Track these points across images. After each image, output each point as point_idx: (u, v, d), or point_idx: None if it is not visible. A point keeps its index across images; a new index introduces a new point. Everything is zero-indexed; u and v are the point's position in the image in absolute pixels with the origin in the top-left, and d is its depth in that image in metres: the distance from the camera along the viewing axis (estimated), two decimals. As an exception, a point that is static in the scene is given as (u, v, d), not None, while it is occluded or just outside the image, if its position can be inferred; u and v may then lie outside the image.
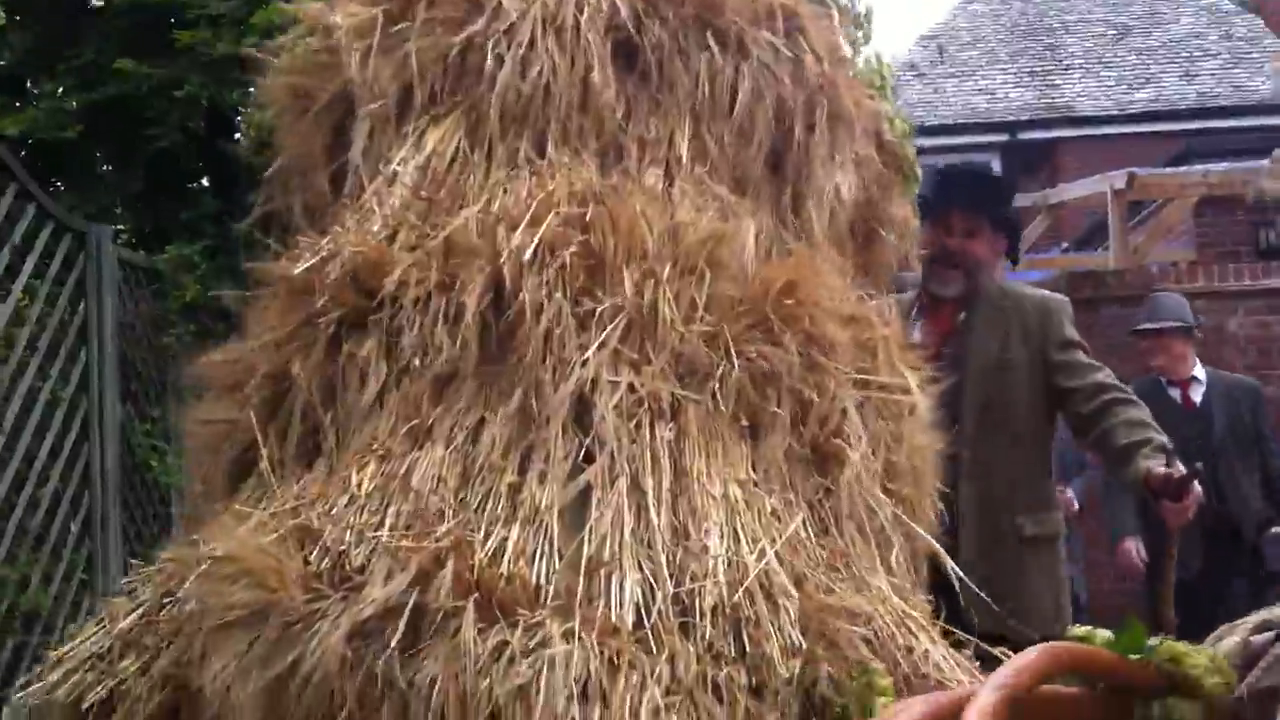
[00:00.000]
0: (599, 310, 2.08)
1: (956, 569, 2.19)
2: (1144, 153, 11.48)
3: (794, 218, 2.45)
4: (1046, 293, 3.42)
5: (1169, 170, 9.07)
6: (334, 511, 2.00)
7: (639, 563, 1.89)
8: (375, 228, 2.26)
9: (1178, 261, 7.96)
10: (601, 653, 1.74)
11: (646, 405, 2.06)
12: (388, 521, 1.94)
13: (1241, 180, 7.38)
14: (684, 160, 2.35)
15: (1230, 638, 1.10)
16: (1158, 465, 2.87)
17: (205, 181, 5.31)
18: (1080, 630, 1.21)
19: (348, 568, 1.90)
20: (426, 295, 2.15)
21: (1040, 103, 15.17)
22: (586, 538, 1.91)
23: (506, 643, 1.74)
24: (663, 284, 2.11)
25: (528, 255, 2.06)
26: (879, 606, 1.98)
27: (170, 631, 2.05)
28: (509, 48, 2.40)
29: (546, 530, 1.91)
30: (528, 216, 2.10)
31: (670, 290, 2.13)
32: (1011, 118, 14.89)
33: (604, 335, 2.05)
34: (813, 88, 2.54)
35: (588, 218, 2.14)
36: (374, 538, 1.91)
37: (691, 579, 1.89)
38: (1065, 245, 11.26)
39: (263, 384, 2.24)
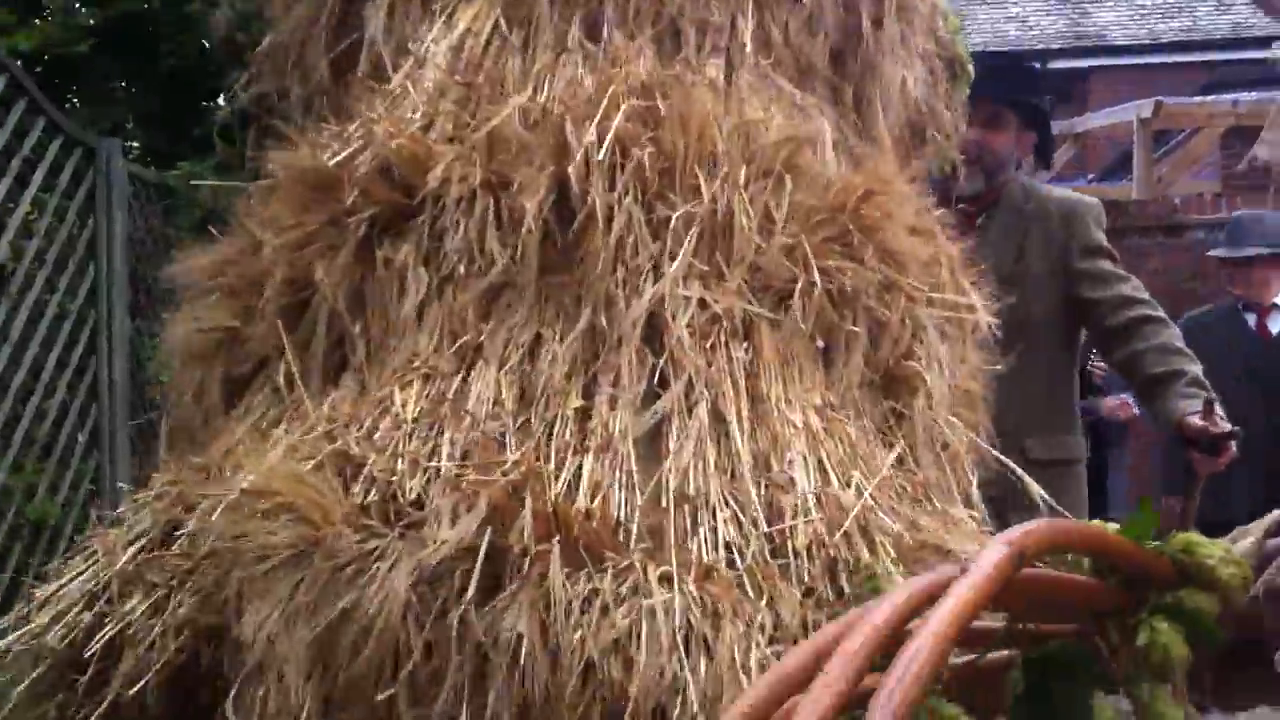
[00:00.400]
0: (673, 218, 1.86)
1: (1045, 496, 2.05)
2: (1176, 83, 11.13)
3: (855, 116, 2.25)
4: (1076, 194, 3.15)
5: (1197, 99, 8.72)
6: (376, 437, 1.78)
7: (726, 498, 1.72)
8: (408, 116, 2.00)
9: (1203, 192, 7.68)
10: (701, 600, 1.57)
11: (721, 324, 1.87)
12: (443, 450, 1.73)
13: (1277, 110, 7.12)
14: (747, 50, 2.12)
15: (1244, 541, 1.02)
16: (1195, 414, 2.69)
17: (221, 100, 5.17)
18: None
19: (401, 501, 1.69)
20: (471, 194, 1.91)
21: (1071, 31, 14.75)
22: (668, 471, 1.72)
23: (597, 590, 1.56)
24: (739, 190, 1.91)
25: (601, 154, 1.83)
26: (968, 543, 1.85)
27: (183, 569, 1.82)
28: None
29: (623, 461, 1.73)
30: (600, 110, 1.86)
31: (745, 196, 1.92)
32: (1042, 46, 14.27)
33: (683, 246, 1.84)
34: (880, -25, 2.32)
35: (659, 113, 1.92)
36: (430, 468, 1.70)
37: (780, 515, 1.73)
38: (1091, 176, 10.88)
39: (281, 290, 1.98)
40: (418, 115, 1.98)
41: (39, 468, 3.83)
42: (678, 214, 1.86)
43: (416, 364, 1.85)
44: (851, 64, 2.26)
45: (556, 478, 1.69)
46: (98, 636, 1.79)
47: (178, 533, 1.87)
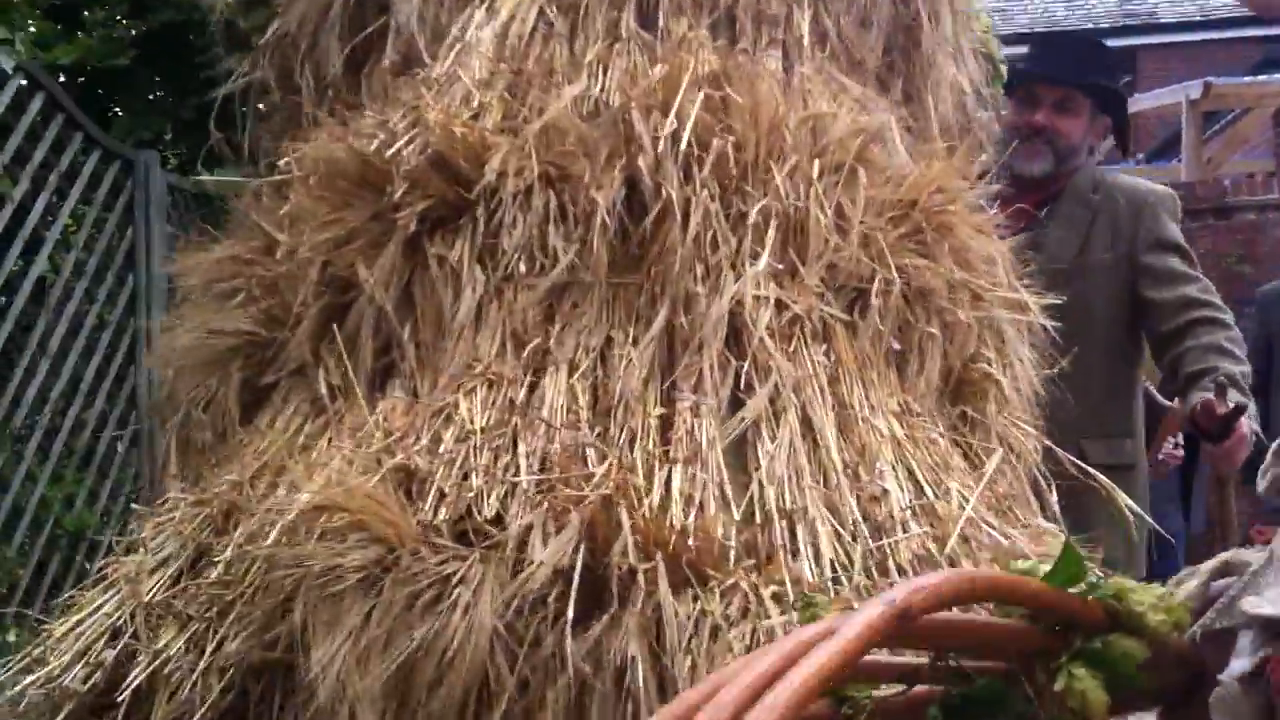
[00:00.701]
0: (751, 214, 1.75)
1: (1133, 507, 1.98)
2: (1229, 59, 10.71)
3: (905, 111, 2.16)
4: (1148, 184, 2.90)
5: (1247, 79, 8.28)
6: (441, 449, 1.63)
7: (825, 511, 1.61)
8: (456, 104, 1.86)
9: (1254, 173, 7.25)
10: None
11: (802, 324, 1.76)
12: (520, 462, 1.59)
13: None
14: (805, 43, 2.02)
15: (1190, 582, 1.00)
16: (1204, 395, 2.45)
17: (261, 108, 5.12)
18: (1024, 564, 1.10)
19: (477, 518, 1.55)
20: (528, 188, 1.78)
21: (1120, 10, 14.11)
22: (762, 481, 1.61)
23: (706, 611, 1.44)
24: (813, 183, 1.81)
25: (682, 145, 1.71)
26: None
27: (223, 599, 1.64)
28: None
29: (714, 472, 1.60)
30: (677, 99, 1.74)
31: (819, 190, 1.82)
32: (1090, 25, 13.59)
33: (765, 243, 1.73)
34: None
35: (728, 104, 1.81)
36: (508, 482, 1.56)
37: (877, 528, 1.62)
38: (1140, 157, 10.10)
39: (318, 292, 1.82)
40: (473, 104, 1.84)
41: (78, 477, 3.81)
42: (755, 209, 1.75)
43: (478, 370, 1.71)
44: (902, 58, 2.18)
45: (647, 491, 1.56)
46: (129, 678, 1.61)
47: (211, 558, 1.70)
